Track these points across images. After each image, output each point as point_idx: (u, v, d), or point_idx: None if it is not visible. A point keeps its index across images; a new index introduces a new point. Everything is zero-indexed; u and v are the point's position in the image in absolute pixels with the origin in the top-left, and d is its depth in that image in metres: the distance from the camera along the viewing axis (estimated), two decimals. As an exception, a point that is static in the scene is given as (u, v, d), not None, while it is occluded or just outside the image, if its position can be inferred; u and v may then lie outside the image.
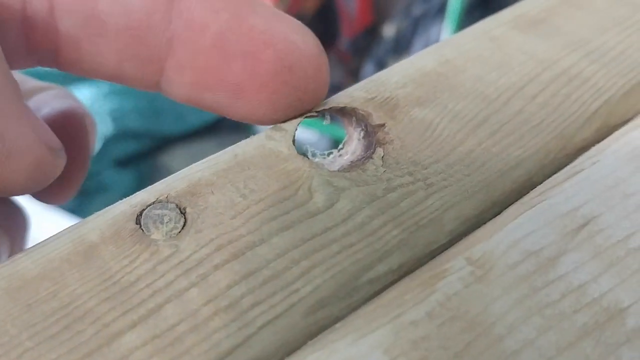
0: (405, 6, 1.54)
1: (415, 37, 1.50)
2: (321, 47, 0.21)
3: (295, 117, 0.21)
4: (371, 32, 1.64)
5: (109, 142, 1.34)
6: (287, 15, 0.21)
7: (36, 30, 0.20)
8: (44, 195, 0.26)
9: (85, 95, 1.34)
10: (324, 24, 1.67)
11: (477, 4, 1.38)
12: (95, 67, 0.21)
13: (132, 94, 1.38)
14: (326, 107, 0.21)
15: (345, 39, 1.64)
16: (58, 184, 0.23)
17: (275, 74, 0.20)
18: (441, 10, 1.43)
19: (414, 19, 1.50)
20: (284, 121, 0.21)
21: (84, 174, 0.27)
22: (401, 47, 1.51)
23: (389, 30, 1.55)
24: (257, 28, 0.20)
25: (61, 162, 0.21)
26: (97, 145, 1.32)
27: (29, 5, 0.20)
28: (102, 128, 1.32)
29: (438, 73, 0.23)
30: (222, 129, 1.48)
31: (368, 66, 1.54)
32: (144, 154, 1.42)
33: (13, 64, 0.21)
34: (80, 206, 1.31)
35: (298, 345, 0.16)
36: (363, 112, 0.21)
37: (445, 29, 1.35)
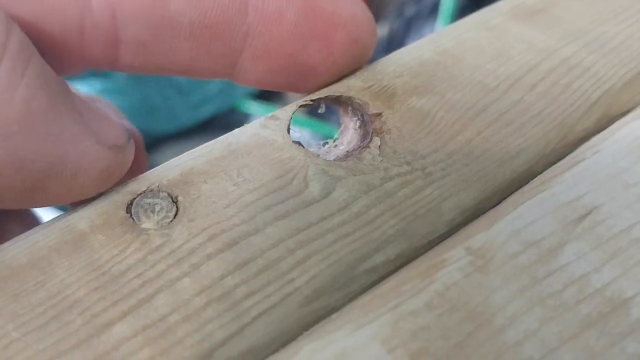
0: (397, 6, 1.53)
1: (407, 37, 1.49)
2: (372, 15, 0.22)
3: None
4: (364, 32, 1.63)
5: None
6: None
7: (96, 40, 0.20)
8: None
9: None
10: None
11: (469, 4, 1.38)
12: (165, 66, 0.21)
13: (125, 93, 1.37)
14: (322, 95, 0.21)
15: (338, 38, 1.64)
16: None
17: (346, 50, 0.21)
18: (434, 10, 1.43)
19: (407, 19, 1.49)
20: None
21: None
22: (394, 47, 1.50)
23: (381, 30, 1.54)
24: (327, 10, 0.20)
25: (129, 155, 0.20)
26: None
27: (89, 16, 0.19)
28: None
29: (436, 62, 0.23)
30: (216, 127, 1.47)
31: (361, 66, 1.54)
32: (137, 152, 1.41)
33: (63, 71, 0.20)
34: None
35: (293, 336, 0.16)
36: (359, 101, 0.21)
37: (438, 29, 1.35)
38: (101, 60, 0.20)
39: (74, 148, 0.17)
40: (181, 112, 1.38)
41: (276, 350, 0.16)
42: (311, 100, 0.21)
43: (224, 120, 1.37)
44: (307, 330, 0.16)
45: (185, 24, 0.20)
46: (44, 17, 0.18)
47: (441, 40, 0.24)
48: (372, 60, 0.23)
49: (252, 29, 0.20)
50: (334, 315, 0.16)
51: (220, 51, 0.21)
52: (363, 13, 0.21)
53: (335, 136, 0.22)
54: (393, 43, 1.53)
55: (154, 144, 1.43)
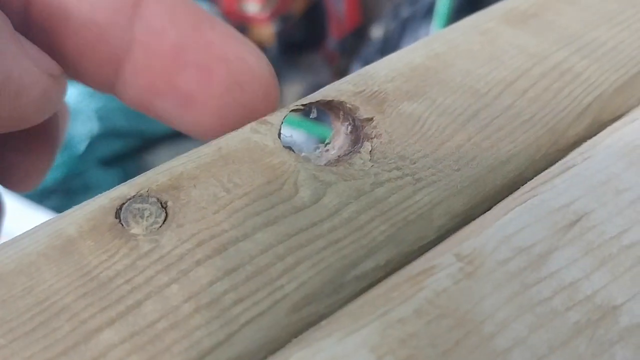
0: (393, 8, 1.53)
1: (403, 39, 1.49)
2: (273, 72, 0.22)
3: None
4: (359, 33, 1.64)
5: (94, 141, 1.33)
6: (244, 37, 0.22)
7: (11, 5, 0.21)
8: (9, 182, 0.26)
9: (72, 93, 1.33)
10: (312, 24, 1.66)
11: (464, 5, 1.39)
12: (59, 60, 0.22)
13: (118, 93, 1.37)
14: (313, 100, 0.21)
15: (333, 39, 1.64)
16: (24, 171, 0.24)
17: (226, 89, 0.21)
18: (429, 12, 1.43)
19: (402, 21, 1.50)
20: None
21: (50, 162, 0.27)
22: (389, 49, 1.51)
23: (376, 32, 1.55)
24: (214, 43, 0.21)
25: (63, 87, 0.21)
26: (82, 144, 1.31)
27: None
28: (87, 127, 1.31)
29: (427, 67, 0.23)
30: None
31: (356, 67, 1.54)
32: (129, 153, 1.41)
33: None
34: (65, 205, 1.29)
35: (282, 343, 0.16)
36: (351, 106, 0.21)
37: (433, 31, 1.35)
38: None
39: (16, 66, 0.19)
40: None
41: (264, 358, 0.16)
42: (302, 105, 0.21)
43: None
44: (295, 337, 0.16)
45: (76, 16, 0.21)
46: None
47: (433, 45, 0.24)
48: (369, 61, 0.23)
49: (136, 40, 0.21)
50: (323, 322, 0.16)
51: (105, 54, 0.21)
52: (258, 64, 0.21)
53: (327, 140, 0.21)
54: (388, 44, 1.53)
55: (148, 144, 1.43)
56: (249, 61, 0.21)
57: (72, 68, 0.22)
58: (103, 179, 1.34)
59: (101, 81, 0.22)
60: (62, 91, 0.21)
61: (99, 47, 0.21)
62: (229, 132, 0.20)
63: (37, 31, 0.21)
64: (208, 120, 0.21)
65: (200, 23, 0.21)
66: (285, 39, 1.61)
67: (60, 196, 1.29)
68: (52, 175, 1.26)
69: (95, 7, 0.21)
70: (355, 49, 1.60)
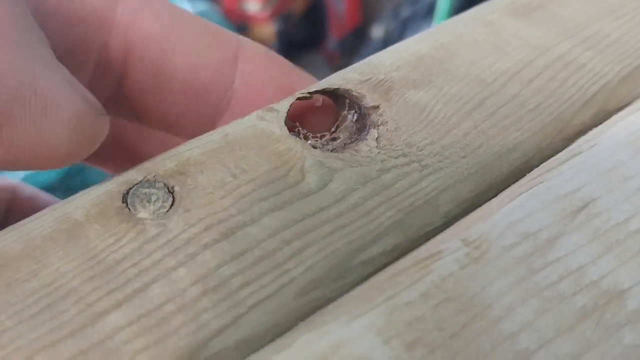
0: (393, 7, 1.53)
1: (403, 39, 1.49)
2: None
3: None
4: (359, 33, 1.64)
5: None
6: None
7: (108, 76, 0.20)
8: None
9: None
10: (312, 24, 1.66)
11: (464, 6, 1.39)
12: (156, 117, 0.22)
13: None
14: (319, 88, 0.21)
15: (333, 39, 1.64)
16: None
17: None
18: (429, 11, 1.43)
19: (403, 21, 1.50)
20: None
21: None
22: (389, 49, 1.50)
23: (377, 32, 1.55)
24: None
25: (105, 123, 0.19)
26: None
27: (105, 52, 0.20)
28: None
29: (433, 57, 0.23)
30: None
31: (357, 65, 1.53)
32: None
33: None
34: (65, 204, 1.29)
35: (289, 326, 0.16)
36: (357, 94, 0.21)
37: (434, 30, 1.35)
38: (110, 100, 0.21)
39: (46, 75, 0.17)
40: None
41: (271, 341, 0.16)
42: (309, 93, 0.21)
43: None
44: (302, 320, 0.16)
45: (180, 78, 0.21)
46: (69, 32, 0.19)
47: (438, 35, 0.24)
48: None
49: (236, 96, 0.21)
50: (329, 306, 0.16)
51: (206, 111, 0.21)
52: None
53: (333, 128, 0.21)
54: (389, 44, 1.52)
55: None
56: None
57: (172, 125, 0.21)
58: (103, 176, 1.34)
59: (197, 133, 0.21)
60: (103, 128, 0.19)
61: (200, 105, 0.21)
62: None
63: (135, 90, 0.21)
64: None
65: (289, 74, 0.22)
66: (285, 38, 1.61)
67: (60, 194, 1.28)
68: (52, 173, 1.26)
69: (200, 65, 0.20)
70: (355, 49, 1.60)
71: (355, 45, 1.61)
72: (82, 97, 0.18)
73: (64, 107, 0.17)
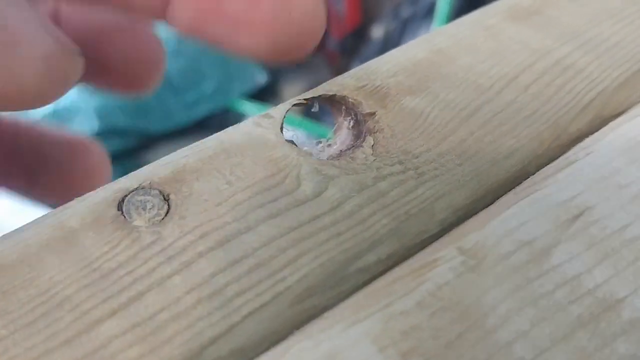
0: (393, 8, 1.53)
1: (403, 39, 1.49)
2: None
3: (293, 57, 0.21)
4: (359, 33, 1.63)
5: (94, 139, 1.33)
6: None
7: None
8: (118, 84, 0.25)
9: (71, 92, 1.33)
10: (312, 24, 1.66)
11: (465, 6, 1.39)
12: None
13: (118, 92, 1.36)
14: (315, 95, 0.21)
15: (333, 39, 1.64)
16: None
17: (274, 14, 0.20)
18: (429, 12, 1.43)
19: (402, 21, 1.50)
20: (284, 60, 0.21)
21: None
22: (389, 49, 1.50)
23: (377, 32, 1.55)
24: None
25: (78, 64, 0.19)
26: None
27: None
28: (87, 125, 1.31)
29: (430, 62, 0.23)
30: (210, 127, 1.47)
31: (356, 67, 1.54)
32: (129, 151, 1.41)
33: None
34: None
35: (284, 334, 0.16)
36: (353, 101, 0.21)
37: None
38: None
39: (15, 13, 0.17)
40: (175, 111, 1.38)
41: (267, 349, 0.16)
42: (305, 99, 0.21)
43: (218, 120, 1.37)
44: (298, 329, 0.16)
45: None
46: None
47: (436, 40, 0.24)
48: (367, 61, 0.23)
49: None
50: (325, 314, 0.16)
51: None
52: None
53: (329, 135, 0.21)
54: (388, 44, 1.53)
55: (148, 143, 1.43)
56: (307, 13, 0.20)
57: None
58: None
59: (151, 10, 0.20)
60: (75, 69, 0.19)
61: None
62: (283, 54, 0.20)
63: None
64: (259, 45, 0.20)
65: None
66: (285, 38, 1.61)
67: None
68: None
69: None
70: (355, 49, 1.60)
71: (355, 46, 1.61)
72: (55, 37, 0.18)
73: (34, 45, 0.17)
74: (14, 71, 0.17)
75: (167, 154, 0.19)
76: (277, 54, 0.20)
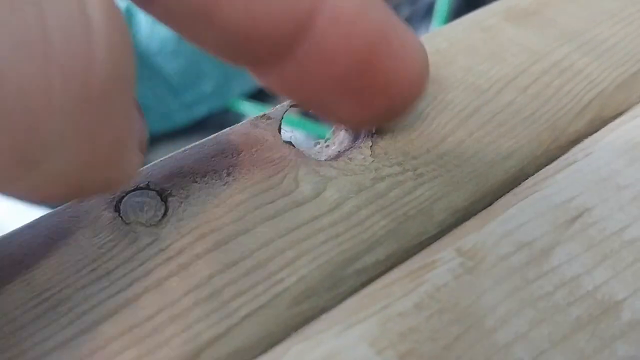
0: (392, 8, 1.53)
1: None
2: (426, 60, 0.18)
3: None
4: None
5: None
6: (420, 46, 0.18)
7: None
8: None
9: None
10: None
11: (463, 6, 1.38)
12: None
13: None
14: None
15: (332, 40, 1.64)
16: None
17: (381, 111, 0.18)
18: (428, 12, 1.43)
19: (401, 21, 1.49)
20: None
21: None
22: (388, 49, 1.50)
23: (376, 32, 1.54)
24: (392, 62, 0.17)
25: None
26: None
27: None
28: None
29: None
30: (209, 127, 1.47)
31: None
32: (128, 152, 1.41)
33: None
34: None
35: (282, 336, 0.16)
36: (351, 101, 0.21)
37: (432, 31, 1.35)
38: None
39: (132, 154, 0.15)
40: (174, 111, 1.38)
41: (264, 351, 0.15)
42: None
43: (218, 120, 1.36)
44: (295, 331, 0.16)
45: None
46: None
47: (434, 41, 0.24)
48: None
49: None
50: (323, 316, 0.16)
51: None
52: (420, 78, 0.18)
53: (327, 136, 0.21)
54: (387, 45, 1.52)
55: (148, 143, 1.43)
56: (414, 80, 0.18)
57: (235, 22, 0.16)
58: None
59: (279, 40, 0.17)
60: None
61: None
62: (385, 120, 0.19)
63: None
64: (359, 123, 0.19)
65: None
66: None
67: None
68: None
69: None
70: (354, 50, 1.59)
71: (355, 46, 1.61)
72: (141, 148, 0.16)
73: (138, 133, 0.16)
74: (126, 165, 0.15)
75: (167, 154, 0.19)
76: (379, 120, 0.19)
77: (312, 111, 0.19)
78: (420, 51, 0.18)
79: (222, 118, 1.37)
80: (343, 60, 0.16)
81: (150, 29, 1.17)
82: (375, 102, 0.18)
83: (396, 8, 1.51)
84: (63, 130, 0.12)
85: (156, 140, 1.41)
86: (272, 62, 0.16)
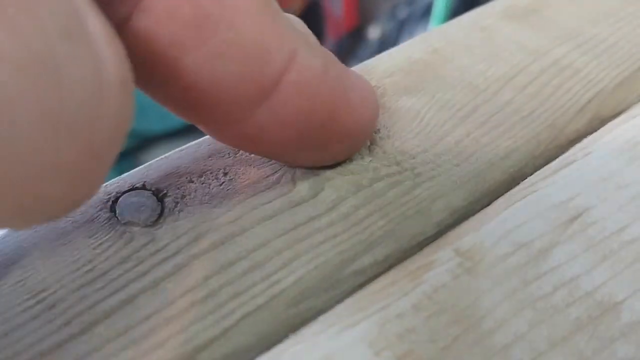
0: (390, 8, 1.53)
1: (400, 40, 1.49)
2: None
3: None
4: (356, 34, 1.63)
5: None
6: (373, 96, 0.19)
7: None
8: None
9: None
10: (309, 24, 1.65)
11: (461, 6, 1.38)
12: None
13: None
14: None
15: (330, 40, 1.64)
16: None
17: (337, 156, 0.19)
18: (426, 13, 1.43)
19: (399, 22, 1.49)
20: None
21: None
22: (386, 49, 1.50)
23: (374, 33, 1.55)
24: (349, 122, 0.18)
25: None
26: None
27: None
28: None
29: (426, 62, 0.22)
30: (205, 129, 1.46)
31: (353, 67, 1.53)
32: (126, 152, 1.40)
33: None
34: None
35: (279, 338, 0.16)
36: (349, 101, 0.21)
37: (431, 32, 1.35)
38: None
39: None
40: (169, 112, 1.38)
41: (261, 353, 0.15)
42: None
43: (215, 121, 1.36)
44: (293, 332, 0.16)
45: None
46: None
47: (432, 40, 0.23)
48: (363, 61, 0.23)
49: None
50: (320, 317, 0.16)
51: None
52: (367, 126, 0.18)
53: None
54: (385, 45, 1.52)
55: (144, 144, 1.42)
56: (366, 132, 0.18)
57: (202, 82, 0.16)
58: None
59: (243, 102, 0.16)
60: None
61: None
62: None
63: None
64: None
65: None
66: (282, 39, 1.61)
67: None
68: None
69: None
70: (352, 50, 1.59)
71: (352, 46, 1.61)
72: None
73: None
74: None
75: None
76: (335, 160, 0.19)
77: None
78: (372, 93, 0.18)
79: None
80: (303, 122, 0.16)
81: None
82: (332, 150, 0.18)
83: (394, 9, 1.51)
84: (67, 182, 0.12)
85: (153, 141, 1.41)
86: (230, 123, 0.16)
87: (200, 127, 0.17)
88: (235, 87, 0.15)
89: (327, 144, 0.18)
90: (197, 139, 0.20)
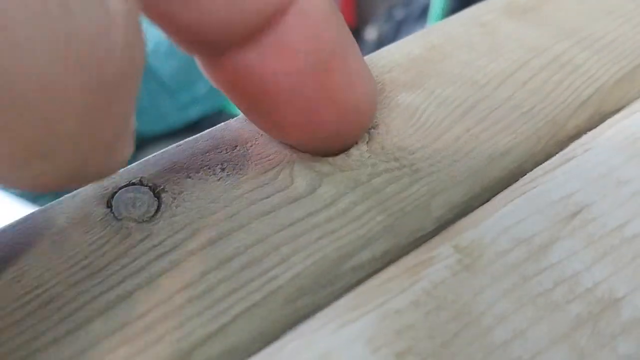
0: (387, 10, 1.53)
1: (397, 41, 1.49)
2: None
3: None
4: (353, 35, 1.63)
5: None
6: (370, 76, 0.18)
7: None
8: None
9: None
10: (306, 25, 1.66)
11: (458, 7, 1.39)
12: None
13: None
14: None
15: (328, 41, 1.64)
16: None
17: (326, 132, 0.18)
18: (423, 14, 1.43)
19: (396, 23, 1.50)
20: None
21: None
22: (384, 50, 1.50)
23: (371, 33, 1.55)
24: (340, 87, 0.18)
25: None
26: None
27: None
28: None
29: (425, 58, 0.22)
30: (204, 129, 1.46)
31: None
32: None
33: None
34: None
35: (277, 334, 0.15)
36: (347, 97, 0.20)
37: (428, 32, 1.35)
38: None
39: None
40: (169, 112, 1.38)
41: (259, 350, 0.15)
42: None
43: (212, 122, 1.36)
44: (290, 329, 0.16)
45: None
46: None
47: (431, 36, 0.23)
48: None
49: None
50: (318, 314, 0.16)
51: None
52: (367, 105, 0.19)
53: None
54: (382, 46, 1.52)
55: (141, 144, 1.42)
56: (361, 112, 0.18)
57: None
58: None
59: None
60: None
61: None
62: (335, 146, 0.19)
63: None
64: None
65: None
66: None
67: (52, 196, 1.28)
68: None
69: None
70: (349, 51, 1.59)
71: (350, 47, 1.61)
72: None
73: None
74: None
75: (161, 154, 0.19)
76: (322, 144, 0.19)
77: (256, 122, 0.19)
78: (372, 82, 0.18)
79: (216, 120, 1.36)
80: (303, 57, 0.16)
81: (144, 30, 1.17)
82: (323, 118, 0.18)
83: (391, 10, 1.51)
84: (78, 121, 0.12)
85: (150, 141, 1.41)
86: (231, 49, 0.16)
87: (200, 60, 0.17)
88: (241, 12, 0.15)
89: (319, 106, 0.17)
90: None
